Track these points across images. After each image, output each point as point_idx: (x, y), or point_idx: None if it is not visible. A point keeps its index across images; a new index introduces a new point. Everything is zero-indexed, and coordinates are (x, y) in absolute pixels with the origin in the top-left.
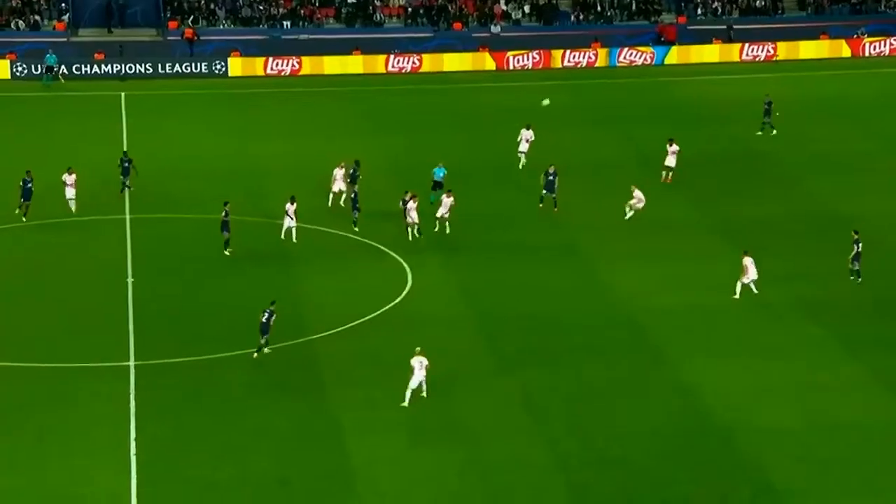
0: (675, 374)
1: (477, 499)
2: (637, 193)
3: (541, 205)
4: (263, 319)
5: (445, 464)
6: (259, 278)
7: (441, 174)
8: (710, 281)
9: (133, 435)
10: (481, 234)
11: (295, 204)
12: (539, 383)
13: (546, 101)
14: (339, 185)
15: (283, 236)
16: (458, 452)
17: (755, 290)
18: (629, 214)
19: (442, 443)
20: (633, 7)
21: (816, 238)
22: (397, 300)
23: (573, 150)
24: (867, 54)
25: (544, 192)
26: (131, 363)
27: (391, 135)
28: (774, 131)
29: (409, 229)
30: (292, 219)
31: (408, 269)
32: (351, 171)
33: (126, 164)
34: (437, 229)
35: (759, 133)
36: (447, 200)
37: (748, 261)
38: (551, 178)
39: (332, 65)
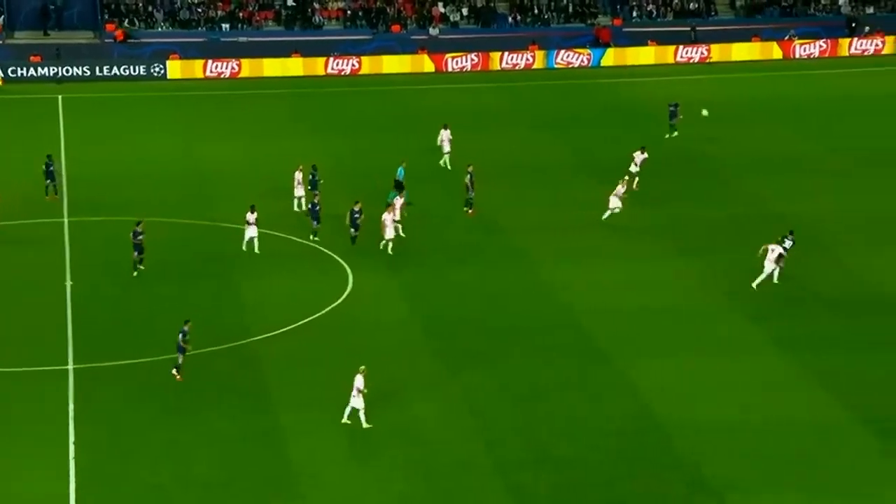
0: (617, 374)
1: (420, 500)
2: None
3: (466, 209)
4: (179, 339)
5: (388, 465)
6: (200, 281)
7: (402, 174)
8: (652, 281)
9: (72, 438)
10: (423, 236)
11: (255, 213)
12: (483, 385)
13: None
14: (300, 189)
15: (244, 247)
16: (401, 454)
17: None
18: (606, 215)
19: (385, 444)
20: (570, 9)
21: (754, 237)
22: (338, 302)
23: (512, 152)
24: (797, 56)
25: (469, 193)
26: (70, 367)
27: (331, 137)
28: (675, 133)
29: (385, 243)
30: (253, 227)
31: (349, 272)
32: (310, 176)
33: (51, 168)
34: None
35: (667, 136)
36: (398, 201)
37: (774, 247)
38: (470, 177)
39: (272, 67)
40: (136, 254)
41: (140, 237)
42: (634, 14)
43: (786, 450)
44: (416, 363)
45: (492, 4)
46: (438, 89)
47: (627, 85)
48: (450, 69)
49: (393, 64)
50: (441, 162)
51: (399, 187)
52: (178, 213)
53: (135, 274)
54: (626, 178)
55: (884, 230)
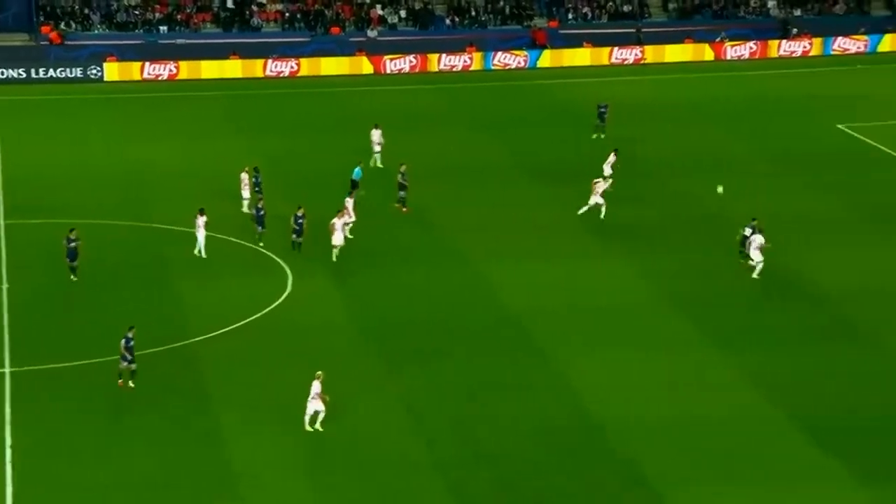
0: (554, 372)
1: (359, 499)
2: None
3: (397, 205)
4: (122, 345)
5: (327, 464)
6: (138, 283)
7: (359, 174)
8: (589, 280)
9: (9, 442)
10: (362, 238)
11: (205, 216)
12: (422, 385)
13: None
14: (247, 191)
15: (196, 251)
16: (340, 454)
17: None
18: (583, 209)
19: (325, 445)
20: (507, 11)
21: (691, 237)
22: (275, 304)
23: (450, 153)
24: (729, 57)
25: (399, 192)
26: (6, 370)
27: (270, 139)
28: (603, 135)
29: (334, 250)
30: (202, 232)
31: (289, 274)
32: (253, 178)
33: None
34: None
35: (595, 137)
36: (350, 203)
37: (755, 237)
38: (402, 176)
39: (210, 69)
40: (69, 261)
41: (73, 244)
42: (570, 16)
43: (717, 445)
44: (354, 364)
45: (429, 7)
46: (377, 91)
47: (563, 86)
48: (388, 71)
49: (331, 66)
50: (371, 162)
51: (354, 187)
52: (117, 215)
53: (73, 278)
54: (603, 178)
55: (814, 229)
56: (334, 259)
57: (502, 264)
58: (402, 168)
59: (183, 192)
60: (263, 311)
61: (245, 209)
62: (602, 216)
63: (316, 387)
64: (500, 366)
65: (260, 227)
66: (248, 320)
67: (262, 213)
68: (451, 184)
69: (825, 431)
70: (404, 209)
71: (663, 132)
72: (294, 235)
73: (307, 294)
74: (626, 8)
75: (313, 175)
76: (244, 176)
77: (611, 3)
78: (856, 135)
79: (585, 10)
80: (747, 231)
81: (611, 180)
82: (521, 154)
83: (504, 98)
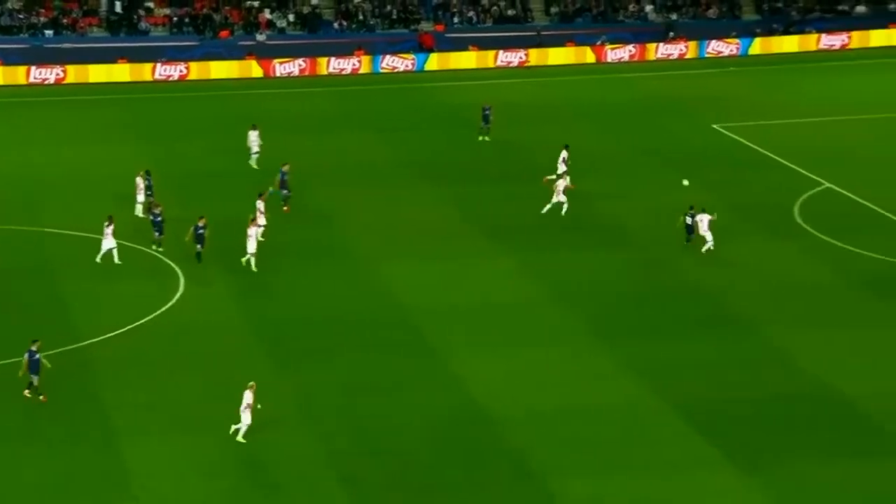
0: (444, 368)
1: (252, 495)
2: (558, 184)
3: (285, 207)
4: (27, 358)
5: (220, 463)
6: (28, 287)
7: (285, 176)
8: (476, 278)
9: None
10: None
11: (112, 225)
12: (314, 382)
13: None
14: (142, 195)
15: (99, 259)
16: (233, 451)
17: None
18: (546, 208)
19: (217, 443)
20: (394, 16)
21: (572, 235)
22: (168, 306)
23: (341, 154)
24: (609, 60)
25: (282, 191)
26: None
27: (161, 142)
28: (488, 138)
29: (249, 259)
30: (111, 239)
31: (181, 277)
32: (146, 182)
33: None
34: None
35: (480, 139)
36: (260, 205)
37: (701, 217)
38: (284, 176)
39: (98, 73)
40: None
41: None
42: (456, 20)
43: (603, 435)
44: (247, 363)
45: (317, 11)
46: (267, 94)
47: (451, 88)
48: (278, 74)
49: (221, 70)
50: (250, 162)
51: (284, 187)
52: (5, 219)
53: None
54: (557, 175)
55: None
56: (254, 269)
57: (394, 263)
58: (285, 168)
59: (72, 197)
60: (156, 313)
61: (139, 213)
62: (563, 213)
63: (248, 397)
64: (392, 362)
65: (157, 233)
66: (140, 322)
67: (159, 218)
68: (343, 185)
69: (706, 419)
70: (285, 208)
71: (547, 133)
72: (198, 246)
73: (201, 296)
74: (510, 12)
75: (205, 178)
76: (139, 180)
77: (495, 8)
78: (730, 134)
79: (471, 14)
80: (688, 219)
81: (568, 177)
82: (410, 155)
83: (393, 101)
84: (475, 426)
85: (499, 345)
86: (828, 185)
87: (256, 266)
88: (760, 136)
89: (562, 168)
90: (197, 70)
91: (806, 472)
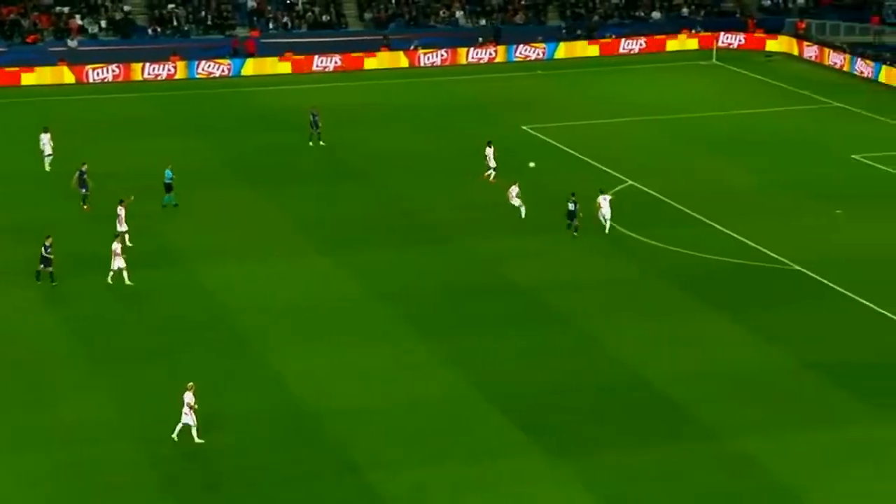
0: (267, 366)
1: (72, 499)
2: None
3: (85, 206)
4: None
5: (40, 467)
6: None
7: (170, 176)
8: (300, 278)
9: None
10: (75, 243)
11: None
12: (133, 383)
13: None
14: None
15: (110, 280)
16: (52, 455)
17: (607, 227)
18: (516, 204)
19: (37, 447)
20: (209, 21)
21: (392, 233)
22: None
23: (161, 158)
24: (422, 65)
25: (81, 190)
26: None
27: None
28: (323, 142)
29: (114, 273)
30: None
31: None
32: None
33: None
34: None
35: (311, 144)
36: (121, 212)
37: (602, 199)
38: (83, 176)
39: None
40: None
41: None
42: (271, 26)
43: (424, 428)
44: (63, 367)
45: (130, 17)
46: (81, 100)
47: (268, 93)
48: (91, 80)
49: (31, 76)
50: (46, 167)
51: (168, 190)
52: None
53: None
54: (491, 173)
55: (495, 223)
56: (128, 282)
57: (218, 264)
58: (84, 167)
59: None
60: None
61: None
62: (523, 216)
63: (188, 397)
64: (214, 363)
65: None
66: None
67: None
68: (163, 188)
69: (523, 410)
70: (85, 207)
71: (365, 135)
72: (42, 265)
73: (16, 301)
74: (325, 18)
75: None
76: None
77: (310, 14)
78: (538, 135)
79: (286, 20)
80: (570, 206)
81: (494, 172)
82: (232, 159)
83: (211, 105)
84: (298, 422)
85: (321, 342)
86: (630, 182)
87: (130, 279)
88: (566, 136)
89: (492, 163)
90: (5, 77)
91: (618, 459)
